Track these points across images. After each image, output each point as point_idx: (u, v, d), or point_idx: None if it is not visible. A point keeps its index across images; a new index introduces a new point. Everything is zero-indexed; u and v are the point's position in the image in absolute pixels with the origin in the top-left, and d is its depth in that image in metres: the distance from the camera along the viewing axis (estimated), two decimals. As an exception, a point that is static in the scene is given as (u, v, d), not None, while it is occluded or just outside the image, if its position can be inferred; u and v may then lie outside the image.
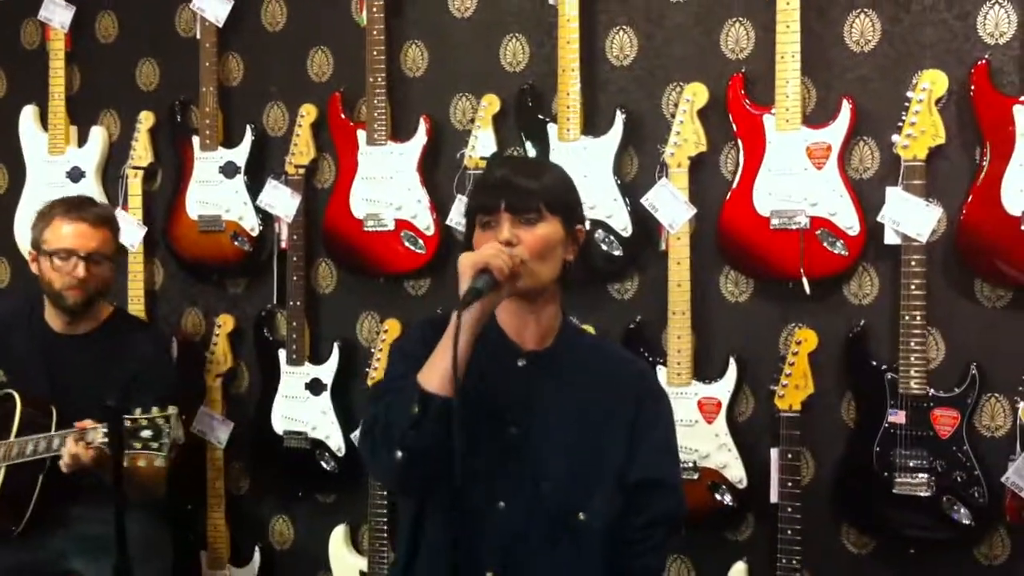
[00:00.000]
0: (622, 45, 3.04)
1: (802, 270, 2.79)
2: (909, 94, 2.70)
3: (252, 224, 3.41)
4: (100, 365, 3.04)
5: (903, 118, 2.69)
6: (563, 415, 1.97)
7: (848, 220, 2.77)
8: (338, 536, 3.36)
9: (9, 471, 2.90)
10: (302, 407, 3.36)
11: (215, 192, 3.45)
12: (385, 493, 3.20)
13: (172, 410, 2.64)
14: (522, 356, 2.00)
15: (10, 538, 2.95)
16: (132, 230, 3.55)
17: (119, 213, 3.54)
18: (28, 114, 3.72)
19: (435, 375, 1.83)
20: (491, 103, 3.12)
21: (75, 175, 3.65)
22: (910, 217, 2.68)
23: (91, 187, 3.62)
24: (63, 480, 2.85)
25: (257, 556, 3.47)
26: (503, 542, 1.95)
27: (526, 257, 1.88)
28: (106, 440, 2.61)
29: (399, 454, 1.84)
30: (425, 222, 3.18)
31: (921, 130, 2.67)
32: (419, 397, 1.83)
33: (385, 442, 1.86)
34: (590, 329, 2.92)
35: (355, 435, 3.27)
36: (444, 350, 1.84)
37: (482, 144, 3.11)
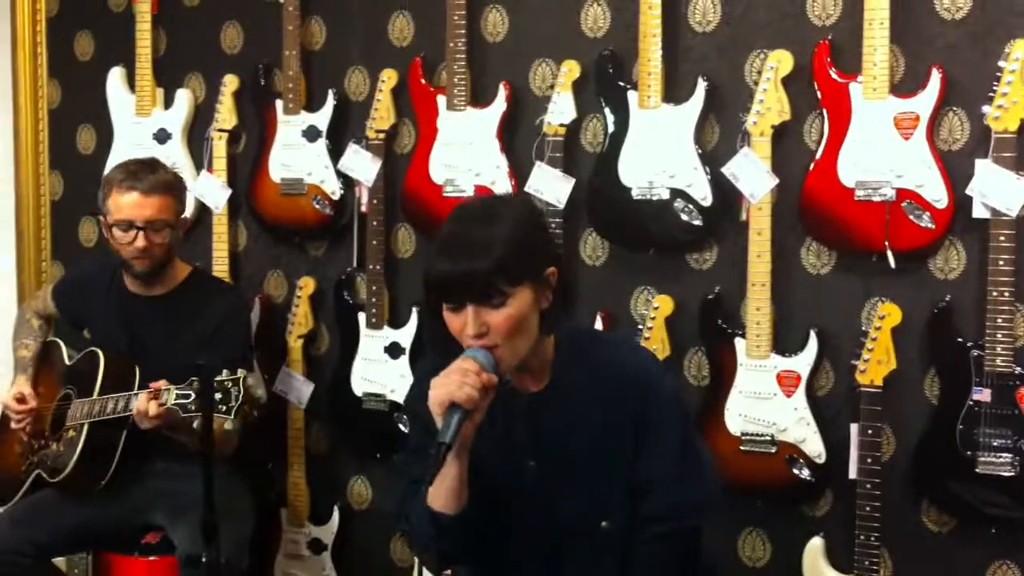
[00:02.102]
0: (704, 11, 2.99)
1: (887, 243, 2.74)
2: (1001, 64, 2.61)
3: (333, 188, 3.43)
4: (175, 325, 3.10)
5: (994, 88, 2.60)
6: (572, 441, 2.05)
7: (935, 192, 2.70)
8: (415, 498, 3.40)
9: (93, 427, 2.99)
10: (381, 370, 3.39)
11: (297, 156, 3.48)
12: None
13: (241, 374, 2.69)
14: (524, 397, 2.07)
15: (94, 493, 3.05)
16: (217, 192, 3.61)
17: (203, 175, 3.62)
18: (115, 76, 3.78)
19: (440, 496, 1.96)
20: (571, 69, 3.09)
21: (161, 137, 3.71)
22: (1000, 190, 2.61)
23: (177, 149, 3.68)
24: (146, 436, 2.93)
25: (336, 515, 3.53)
26: (538, 564, 2.10)
27: (500, 341, 1.91)
28: (179, 402, 2.67)
29: (426, 555, 2.05)
30: (504, 188, 3.17)
31: (1013, 101, 2.58)
32: (430, 518, 1.98)
33: (416, 544, 2.07)
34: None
35: (432, 399, 3.30)
36: (444, 469, 1.91)
37: (561, 110, 3.08)
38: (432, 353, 2.06)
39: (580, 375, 2.06)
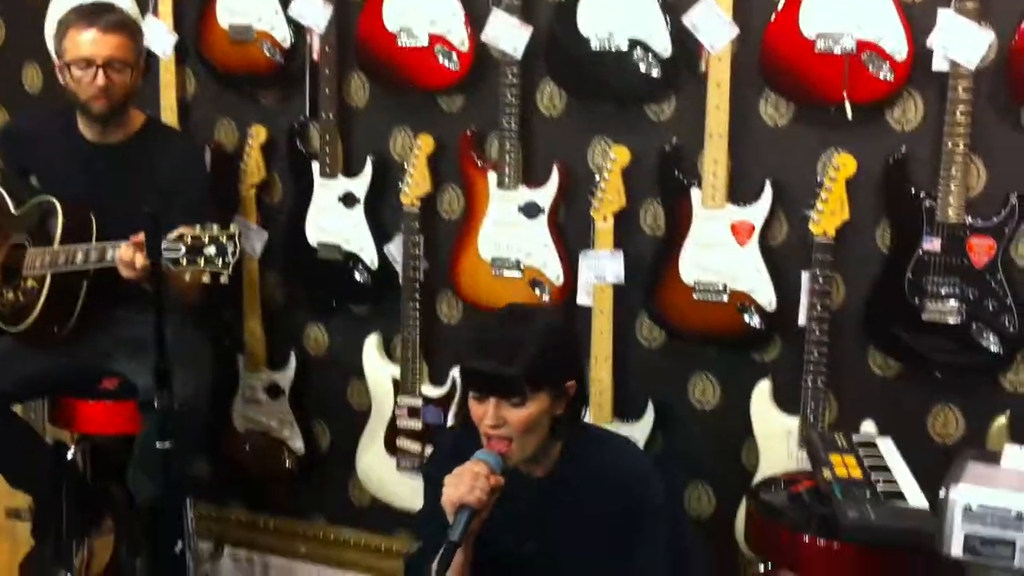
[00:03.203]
0: None
1: (845, 94, 2.62)
2: (967, -88, 2.47)
3: (284, 35, 3.20)
4: (135, 174, 2.94)
5: (960, -61, 2.47)
6: (571, 530, 2.14)
7: (896, 44, 2.56)
8: (371, 345, 3.29)
9: (56, 277, 2.84)
10: (335, 220, 3.23)
11: (245, 0, 3.23)
12: (418, 306, 3.13)
13: (235, 228, 2.55)
14: (532, 481, 2.17)
15: (56, 342, 2.91)
16: (163, 37, 3.35)
17: (149, 19, 3.36)
18: (55, -88, 3.47)
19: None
20: (530, -86, 2.88)
21: (105, -21, 3.43)
22: (961, 42, 2.48)
23: (121, -8, 3.41)
24: (106, 284, 2.82)
25: (293, 361, 3.41)
26: None
27: (512, 436, 2.04)
28: (169, 256, 2.52)
29: None
30: (459, 37, 2.98)
31: (979, -49, 2.45)
32: None
33: None
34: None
35: (388, 248, 3.18)
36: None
37: (520, -43, 2.88)
38: (462, 426, 2.18)
39: (581, 471, 2.16)
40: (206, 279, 2.56)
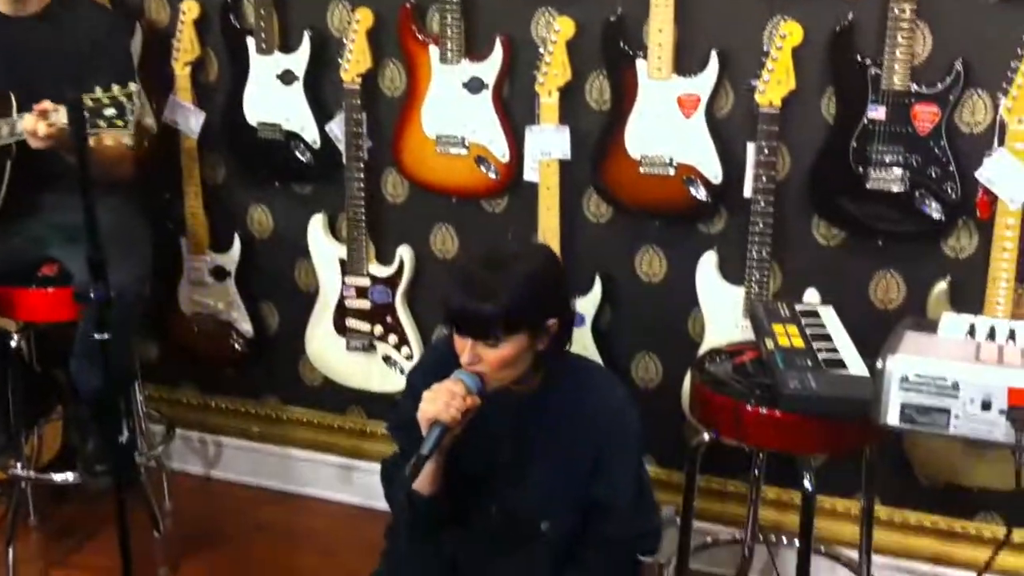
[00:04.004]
0: None
1: (791, -40, 2.57)
2: None
3: (208, -98, 3.08)
4: (55, 45, 2.83)
5: None
6: (544, 445, 2.19)
7: (843, -94, 2.52)
8: (316, 225, 3.26)
9: None
10: (274, 98, 3.15)
11: None
12: (363, 185, 3.08)
13: (133, 87, 2.48)
14: (511, 401, 2.17)
15: (-16, 227, 2.85)
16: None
17: None
18: None
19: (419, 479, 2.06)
20: None
21: None
22: (909, -95, 2.44)
23: None
24: (33, 167, 2.74)
25: (237, 243, 3.37)
26: (483, 541, 2.23)
27: (488, 372, 2.05)
28: (67, 125, 2.44)
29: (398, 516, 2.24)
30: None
31: None
32: (406, 498, 2.09)
33: (391, 507, 2.25)
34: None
35: (330, 126, 3.11)
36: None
37: None
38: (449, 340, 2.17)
39: (561, 397, 2.19)
40: (109, 142, 2.54)
